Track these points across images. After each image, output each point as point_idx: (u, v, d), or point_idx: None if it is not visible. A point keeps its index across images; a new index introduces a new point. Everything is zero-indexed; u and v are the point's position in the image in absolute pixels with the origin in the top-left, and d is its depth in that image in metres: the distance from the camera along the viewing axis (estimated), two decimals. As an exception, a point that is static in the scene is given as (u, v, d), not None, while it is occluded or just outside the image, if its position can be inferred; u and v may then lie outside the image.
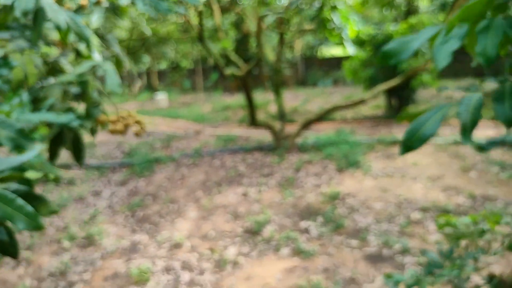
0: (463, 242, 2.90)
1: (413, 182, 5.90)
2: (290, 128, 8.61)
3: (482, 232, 2.86)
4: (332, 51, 22.15)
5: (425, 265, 2.60)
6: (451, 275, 2.49)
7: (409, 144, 0.89)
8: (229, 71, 7.12)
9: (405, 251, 4.10)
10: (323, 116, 7.81)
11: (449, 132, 8.47)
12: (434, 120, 0.89)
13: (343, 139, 8.01)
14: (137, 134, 2.23)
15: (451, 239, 2.88)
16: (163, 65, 21.98)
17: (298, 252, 4.25)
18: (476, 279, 2.95)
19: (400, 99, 10.85)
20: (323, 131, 9.34)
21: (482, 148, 1.05)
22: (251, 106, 7.71)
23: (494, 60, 0.79)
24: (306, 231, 4.74)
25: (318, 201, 5.50)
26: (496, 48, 0.79)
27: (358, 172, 6.44)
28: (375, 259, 4.06)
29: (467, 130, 0.87)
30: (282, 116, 8.04)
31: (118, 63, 2.74)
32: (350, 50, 4.97)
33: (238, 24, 14.09)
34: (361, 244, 4.35)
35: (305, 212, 5.23)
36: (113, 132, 2.10)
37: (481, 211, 3.50)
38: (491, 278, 2.55)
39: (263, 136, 9.22)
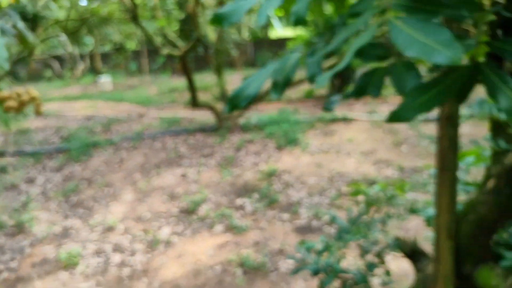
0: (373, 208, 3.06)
1: (347, 157, 6.12)
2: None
3: (389, 198, 3.03)
4: (281, 32, 22.20)
5: (336, 232, 2.73)
6: (354, 239, 2.63)
7: (235, 103, 0.91)
8: (166, 51, 6.98)
9: (333, 222, 4.27)
10: (264, 97, 7.86)
11: (387, 109, 8.82)
12: (258, 80, 0.92)
13: (285, 118, 8.13)
14: (37, 112, 2.16)
15: (360, 206, 3.03)
16: (107, 47, 21.15)
17: (231, 228, 4.33)
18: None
19: (342, 79, 11.12)
20: (268, 111, 9.42)
21: (327, 108, 1.11)
22: (191, 87, 7.63)
23: (303, 20, 0.83)
24: (241, 208, 4.81)
25: (256, 179, 5.59)
26: (306, 9, 0.82)
27: (296, 149, 6.59)
28: (304, 230, 4.21)
29: (278, 86, 0.91)
30: (223, 96, 8.03)
31: (22, 40, 2.61)
32: (278, 28, 5.01)
33: (182, 4, 13.77)
34: (293, 217, 4.49)
35: (242, 189, 5.30)
36: (7, 109, 2.02)
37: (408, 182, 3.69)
38: (396, 240, 2.72)
39: (208, 117, 9.17)
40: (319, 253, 2.57)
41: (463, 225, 2.13)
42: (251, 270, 3.57)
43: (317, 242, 2.67)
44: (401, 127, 7.46)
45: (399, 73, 0.84)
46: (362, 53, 0.84)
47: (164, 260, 3.87)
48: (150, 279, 3.62)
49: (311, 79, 0.88)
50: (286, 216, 4.52)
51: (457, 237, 2.16)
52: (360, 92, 0.87)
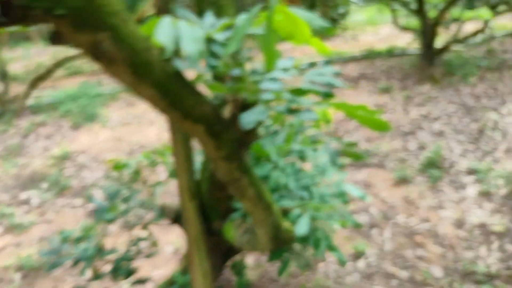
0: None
1: (149, 127, 5.95)
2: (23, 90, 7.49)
3: (153, 163, 2.96)
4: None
5: (94, 212, 2.56)
6: (115, 217, 2.51)
7: None
8: None
9: (127, 199, 4.10)
10: (53, 70, 7.01)
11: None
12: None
13: (85, 93, 7.46)
14: None
15: (121, 178, 2.90)
16: None
17: (11, 229, 3.79)
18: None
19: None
20: (66, 86, 8.51)
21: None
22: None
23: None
24: (25, 202, 4.25)
25: (46, 166, 5.00)
26: None
27: (95, 126, 6.12)
28: (98, 213, 3.94)
29: None
30: (3, 76, 6.91)
31: None
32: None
33: None
34: (86, 201, 4.16)
35: (28, 181, 4.68)
36: None
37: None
38: (161, 208, 2.69)
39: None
40: (76, 241, 2.38)
41: (203, 184, 2.19)
42: (32, 271, 3.19)
43: (76, 229, 2.47)
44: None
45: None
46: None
47: None
48: None
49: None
50: (78, 201, 4.16)
51: (201, 196, 2.21)
52: None
